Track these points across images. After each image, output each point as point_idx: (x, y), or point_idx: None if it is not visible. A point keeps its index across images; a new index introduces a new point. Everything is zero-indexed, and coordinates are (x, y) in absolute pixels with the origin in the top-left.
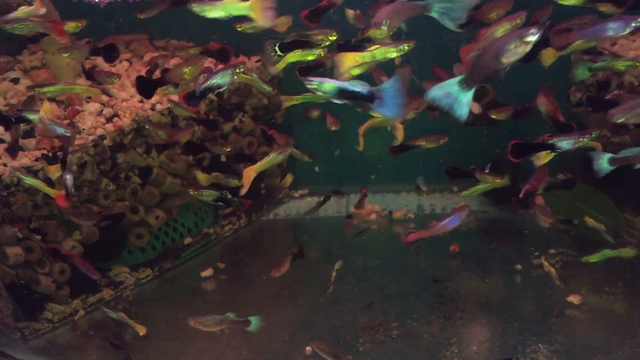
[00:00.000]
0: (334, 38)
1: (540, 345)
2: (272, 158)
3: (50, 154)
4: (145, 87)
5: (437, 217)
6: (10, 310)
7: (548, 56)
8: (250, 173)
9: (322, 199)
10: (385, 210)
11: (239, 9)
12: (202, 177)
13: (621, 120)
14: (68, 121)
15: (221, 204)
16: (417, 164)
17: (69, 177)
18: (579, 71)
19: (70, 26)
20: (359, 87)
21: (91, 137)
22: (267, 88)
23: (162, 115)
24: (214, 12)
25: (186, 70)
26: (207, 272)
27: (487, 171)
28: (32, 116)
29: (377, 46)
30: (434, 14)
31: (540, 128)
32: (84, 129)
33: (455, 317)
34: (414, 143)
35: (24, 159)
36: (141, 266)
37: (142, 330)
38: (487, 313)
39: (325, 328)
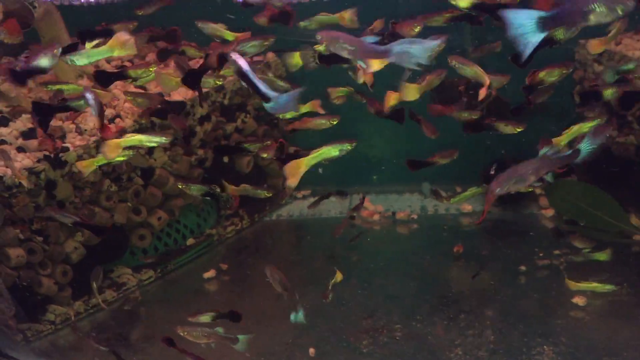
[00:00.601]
0: None
1: (545, 347)
2: (324, 151)
3: (52, 155)
4: (192, 79)
5: (441, 217)
6: (12, 312)
7: (596, 45)
8: (301, 168)
9: (324, 194)
10: (389, 211)
11: (101, 53)
12: (230, 188)
13: (502, 193)
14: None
15: (208, 198)
16: None
17: (92, 99)
18: (608, 74)
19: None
20: (262, 85)
21: (93, 138)
22: (285, 85)
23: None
24: (82, 60)
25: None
26: (210, 274)
27: (492, 172)
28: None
29: None
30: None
31: (543, 127)
32: (86, 130)
33: (459, 319)
34: (430, 160)
35: (25, 160)
36: (143, 267)
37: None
38: (492, 314)
39: (328, 330)
